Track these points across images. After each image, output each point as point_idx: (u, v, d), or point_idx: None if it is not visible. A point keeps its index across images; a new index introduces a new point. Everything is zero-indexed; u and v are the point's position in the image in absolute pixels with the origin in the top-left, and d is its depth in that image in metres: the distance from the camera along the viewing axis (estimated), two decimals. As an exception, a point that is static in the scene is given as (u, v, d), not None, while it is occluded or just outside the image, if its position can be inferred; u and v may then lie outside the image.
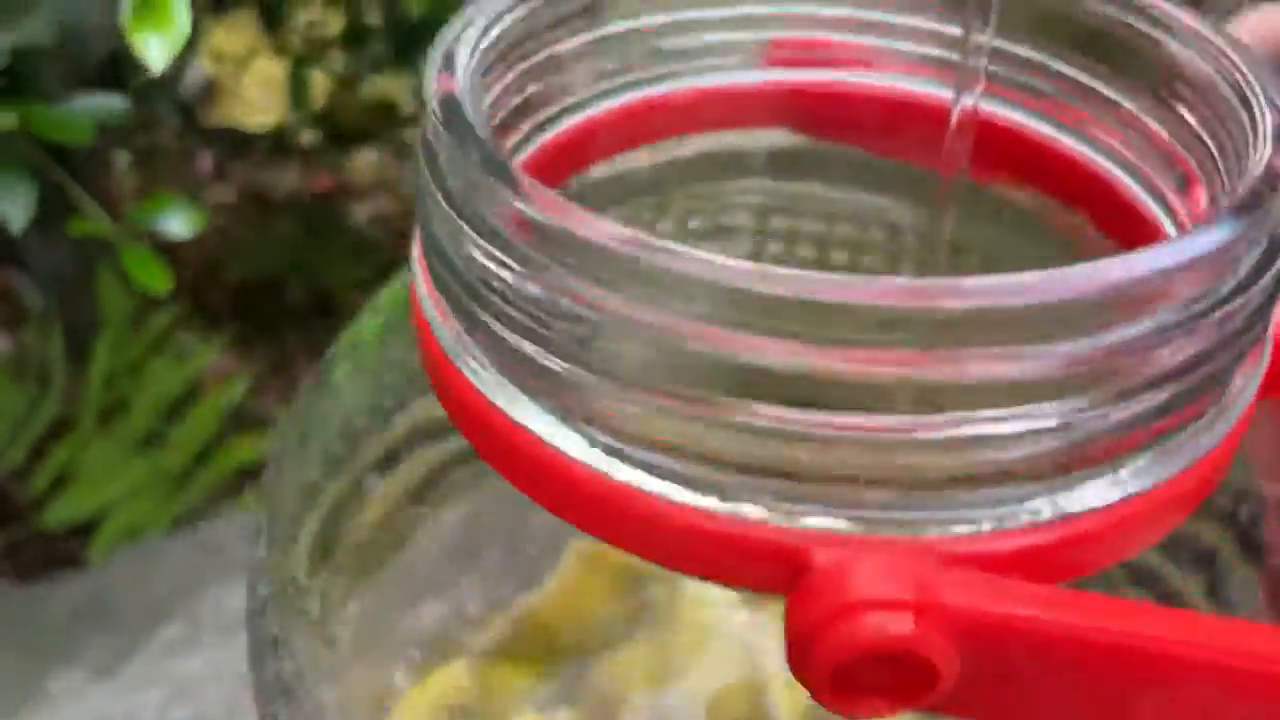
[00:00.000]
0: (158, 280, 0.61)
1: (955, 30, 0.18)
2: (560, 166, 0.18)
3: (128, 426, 0.98)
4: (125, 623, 0.72)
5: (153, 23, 0.45)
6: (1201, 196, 0.15)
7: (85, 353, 1.09)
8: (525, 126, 0.17)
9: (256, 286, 1.55)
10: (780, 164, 0.20)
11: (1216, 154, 0.14)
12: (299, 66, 1.23)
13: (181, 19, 0.46)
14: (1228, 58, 0.13)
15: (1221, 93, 0.13)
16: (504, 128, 0.16)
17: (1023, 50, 0.17)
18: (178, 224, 0.64)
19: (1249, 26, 0.49)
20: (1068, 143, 0.17)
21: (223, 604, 0.57)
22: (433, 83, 0.13)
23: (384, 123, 1.44)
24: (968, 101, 0.17)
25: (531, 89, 0.17)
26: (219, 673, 0.50)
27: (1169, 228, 0.16)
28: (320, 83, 1.32)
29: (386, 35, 1.15)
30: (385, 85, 1.41)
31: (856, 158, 0.21)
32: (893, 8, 0.18)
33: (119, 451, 0.98)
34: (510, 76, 0.16)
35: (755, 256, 0.24)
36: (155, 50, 0.45)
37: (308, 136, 1.43)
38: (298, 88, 1.24)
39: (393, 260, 1.65)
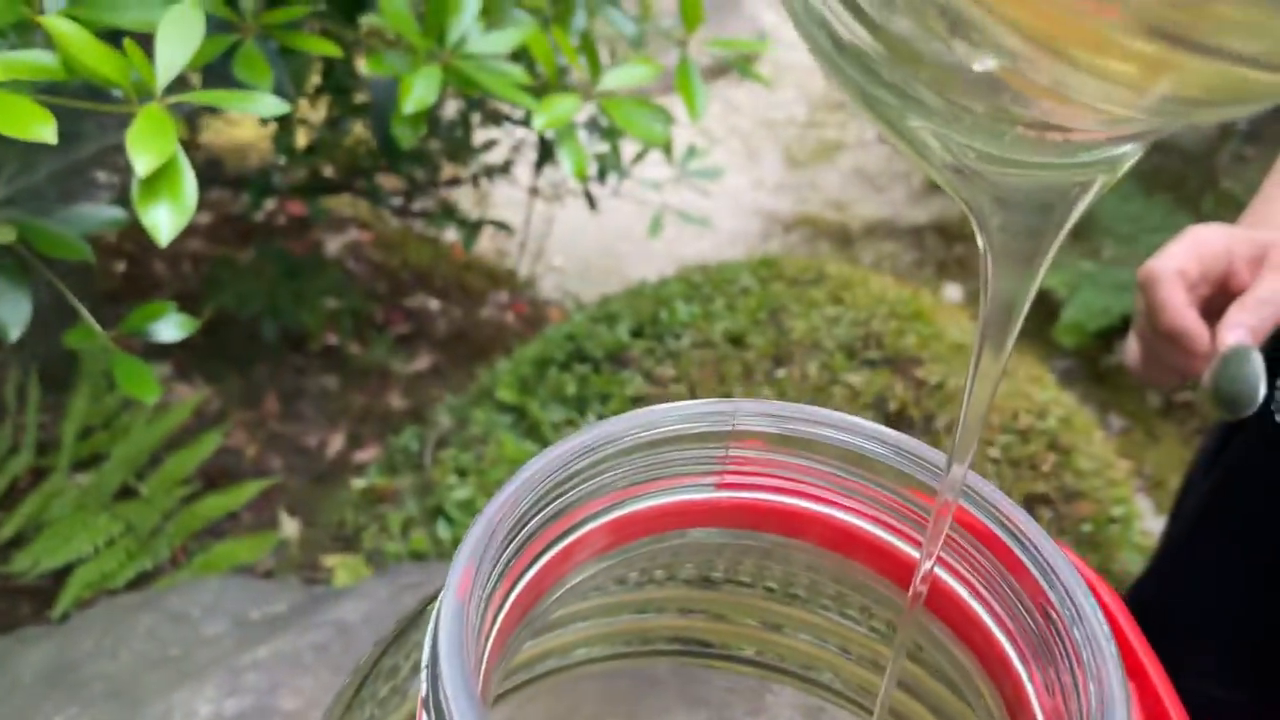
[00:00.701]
0: (146, 390, 0.63)
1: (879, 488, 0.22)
2: (575, 556, 0.22)
3: (101, 481, 1.00)
4: (95, 697, 0.74)
5: (162, 194, 0.48)
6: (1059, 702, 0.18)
7: (61, 382, 1.11)
8: (545, 541, 0.21)
9: (229, 321, 1.56)
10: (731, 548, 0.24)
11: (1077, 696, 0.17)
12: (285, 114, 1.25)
13: (190, 191, 0.48)
14: (1104, 663, 0.17)
15: (1089, 672, 0.17)
16: (528, 540, 0.20)
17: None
18: (168, 330, 0.66)
19: (1185, 243, 0.53)
20: (974, 606, 0.21)
21: (192, 708, 0.60)
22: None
23: (363, 167, 1.46)
24: (927, 565, 0.21)
25: (545, 520, 0.21)
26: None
27: (1033, 698, 0.19)
28: (303, 131, 1.34)
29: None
30: (364, 133, 1.44)
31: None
32: (827, 459, 0.22)
33: (91, 504, 1.00)
34: (530, 524, 0.20)
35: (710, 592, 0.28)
36: (165, 221, 0.47)
37: (290, 177, 1.45)
38: (283, 133, 1.26)
39: (365, 295, 1.67)
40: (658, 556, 0.24)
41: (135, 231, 1.79)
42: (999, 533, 0.20)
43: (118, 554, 0.99)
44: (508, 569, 0.19)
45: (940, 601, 0.21)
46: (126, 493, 1.04)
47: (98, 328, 0.65)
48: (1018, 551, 0.19)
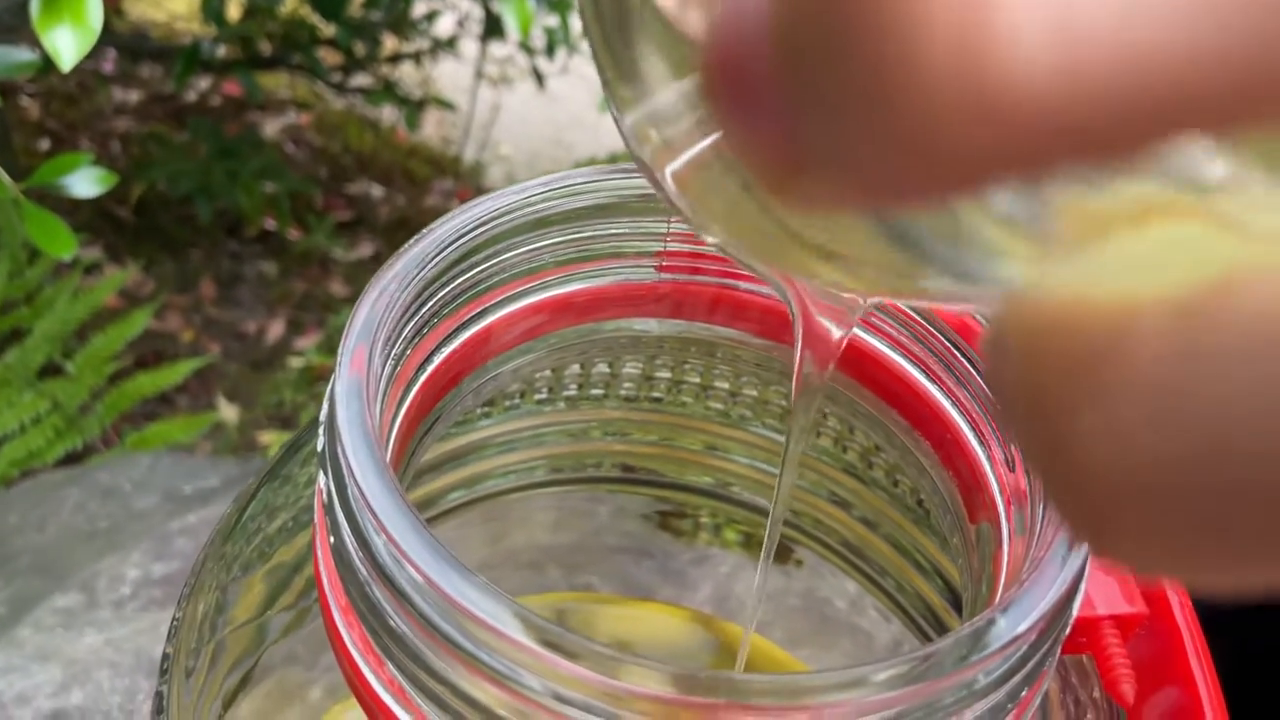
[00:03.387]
0: (61, 244, 0.60)
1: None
2: (500, 336, 0.20)
3: (24, 357, 0.96)
4: (18, 570, 0.72)
5: (64, 14, 0.44)
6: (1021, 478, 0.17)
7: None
8: (467, 315, 0.19)
9: (162, 202, 1.50)
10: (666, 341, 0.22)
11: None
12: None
13: (95, 12, 0.45)
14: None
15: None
16: (445, 316, 0.18)
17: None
18: (84, 184, 0.62)
19: None
20: (918, 378, 0.19)
21: (119, 573, 0.58)
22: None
23: (299, 42, 1.40)
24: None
25: (457, 294, 0.18)
26: (115, 655, 0.51)
27: (984, 463, 0.18)
28: (236, 5, 1.28)
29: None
30: (299, 5, 1.37)
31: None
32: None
33: (14, 381, 0.96)
34: (455, 283, 0.18)
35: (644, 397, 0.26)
36: (67, 45, 0.44)
37: (223, 51, 1.38)
38: (211, 3, 1.20)
39: (304, 179, 1.61)
40: (589, 350, 0.22)
41: (60, 109, 1.70)
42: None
43: (45, 431, 0.96)
44: (412, 347, 0.17)
45: (887, 383, 0.19)
46: (52, 370, 1.00)
47: (7, 178, 0.61)
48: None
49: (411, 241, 0.17)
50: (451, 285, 0.17)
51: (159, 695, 0.18)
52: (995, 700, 0.14)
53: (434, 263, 0.17)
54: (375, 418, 0.14)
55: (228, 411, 1.25)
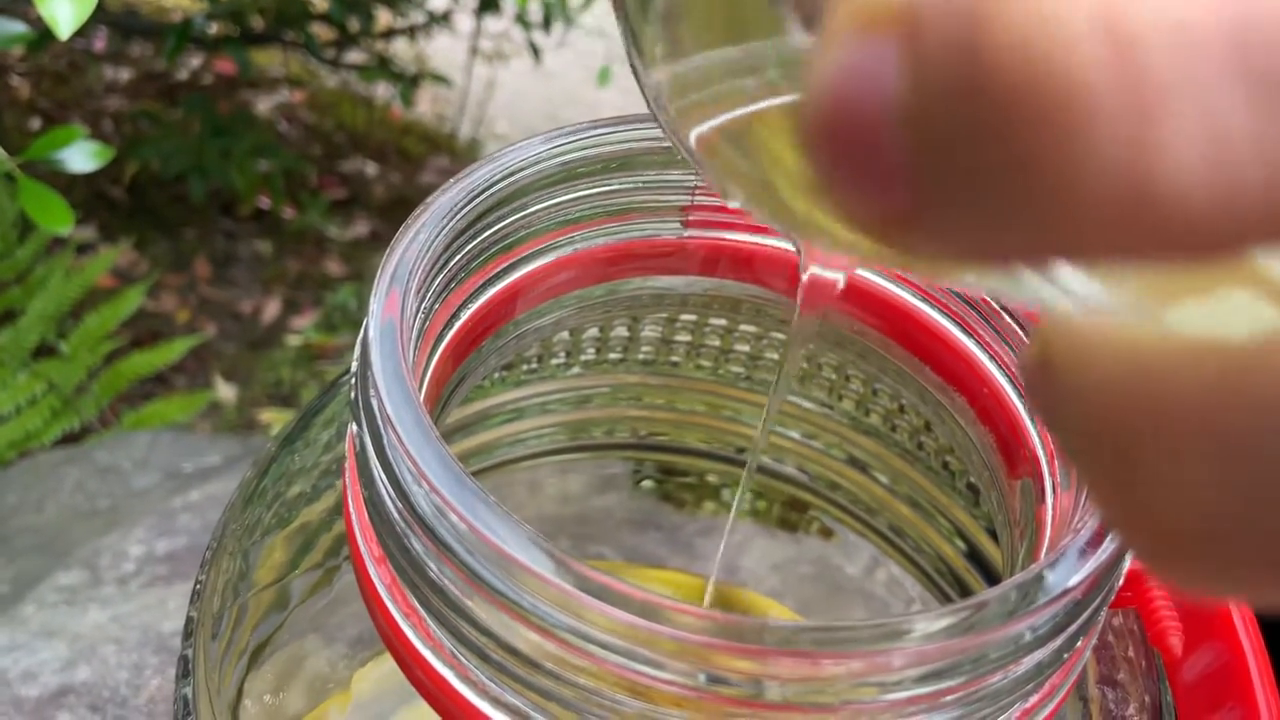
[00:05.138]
0: (58, 218, 0.59)
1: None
2: (528, 293, 0.19)
3: (18, 337, 0.95)
4: (19, 549, 0.71)
5: (61, -19, 0.43)
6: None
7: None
8: (494, 270, 0.18)
9: (155, 181, 1.49)
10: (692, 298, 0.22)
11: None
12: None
13: (92, -22, 0.44)
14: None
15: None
16: (472, 271, 0.18)
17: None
18: (79, 159, 0.62)
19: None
20: (948, 327, 0.19)
21: (122, 550, 0.58)
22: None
23: (292, 17, 1.38)
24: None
25: (502, 240, 0.18)
26: (120, 631, 0.50)
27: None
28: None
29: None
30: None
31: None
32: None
33: (9, 362, 0.95)
34: (481, 236, 0.17)
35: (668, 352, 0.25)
36: (64, 12, 0.43)
37: (215, 28, 1.37)
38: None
39: (298, 157, 1.60)
40: (613, 309, 0.21)
41: (51, 88, 1.69)
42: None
43: (41, 412, 0.96)
44: (440, 301, 0.17)
45: (920, 338, 0.19)
46: (46, 351, 1.00)
47: (2, 151, 0.61)
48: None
49: (440, 190, 0.16)
50: (480, 238, 0.17)
51: (184, 659, 0.17)
52: (1044, 654, 0.14)
53: (463, 213, 0.16)
54: (409, 360, 0.13)
55: (225, 391, 1.25)
